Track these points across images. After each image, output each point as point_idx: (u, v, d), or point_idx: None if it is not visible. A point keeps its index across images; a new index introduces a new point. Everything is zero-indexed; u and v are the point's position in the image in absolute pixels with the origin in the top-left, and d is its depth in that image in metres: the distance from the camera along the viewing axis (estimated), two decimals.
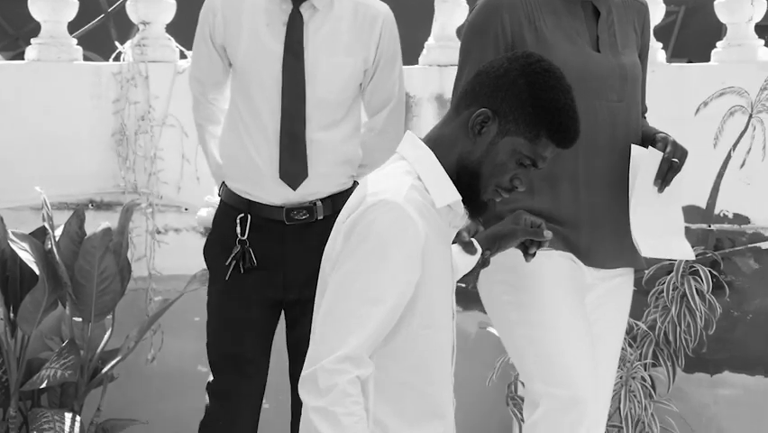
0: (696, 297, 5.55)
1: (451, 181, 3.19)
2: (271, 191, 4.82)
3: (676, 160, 4.24)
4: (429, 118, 6.06)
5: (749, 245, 5.71)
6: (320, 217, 4.87)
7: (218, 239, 4.96)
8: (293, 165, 4.81)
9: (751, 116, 5.58)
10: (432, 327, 3.18)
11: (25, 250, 5.64)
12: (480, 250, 3.72)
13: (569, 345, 4.17)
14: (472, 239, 3.74)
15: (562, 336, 4.14)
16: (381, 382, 3.13)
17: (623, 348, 5.47)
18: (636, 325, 5.63)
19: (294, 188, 4.80)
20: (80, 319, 5.72)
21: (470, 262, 3.68)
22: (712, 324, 5.58)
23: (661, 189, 4.19)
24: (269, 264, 4.85)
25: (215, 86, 5.02)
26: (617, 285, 4.24)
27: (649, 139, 4.27)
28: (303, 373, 3.04)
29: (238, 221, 4.86)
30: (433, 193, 3.17)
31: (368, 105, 4.88)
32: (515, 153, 3.17)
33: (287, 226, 4.85)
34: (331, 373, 3.02)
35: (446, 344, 3.24)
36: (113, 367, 5.75)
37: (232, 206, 4.90)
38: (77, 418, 5.58)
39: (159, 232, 6.01)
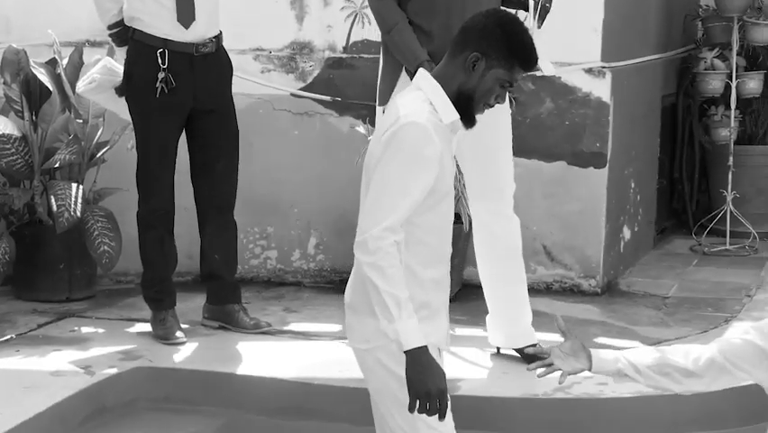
0: None
1: (452, 105, 3.30)
2: (182, 31, 5.11)
3: (548, 5, 4.54)
4: None
5: (528, 74, 5.94)
6: (213, 51, 5.21)
7: (140, 71, 5.15)
8: (186, 12, 5.13)
9: None
10: (442, 203, 3.31)
11: (42, 73, 5.82)
12: None
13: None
14: None
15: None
16: (409, 241, 3.25)
17: None
18: None
19: (186, 28, 5.10)
20: (81, 121, 5.92)
21: None
22: None
23: (539, 27, 4.50)
24: (183, 85, 5.15)
25: None
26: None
27: None
28: (357, 239, 3.21)
29: (158, 54, 5.08)
30: (441, 113, 3.28)
31: None
32: (498, 80, 3.29)
33: (194, 57, 5.16)
34: (376, 239, 3.17)
35: (450, 212, 3.37)
36: (104, 153, 6.01)
37: (148, 44, 5.11)
38: (80, 187, 5.80)
39: None
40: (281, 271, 6.58)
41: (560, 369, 3.35)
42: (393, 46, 4.63)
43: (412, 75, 4.29)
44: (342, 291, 6.27)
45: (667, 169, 8.05)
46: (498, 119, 4.66)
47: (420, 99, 3.29)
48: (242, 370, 4.87)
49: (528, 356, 4.92)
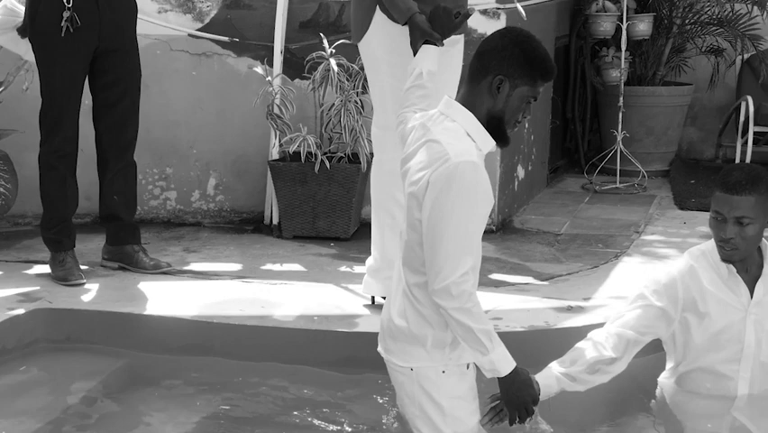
0: None
1: (487, 132, 3.35)
2: None
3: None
4: None
5: None
6: None
7: (45, 11, 5.07)
8: None
9: None
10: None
11: None
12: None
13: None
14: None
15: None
16: None
17: (343, 81, 5.95)
18: (351, 66, 5.98)
19: None
20: None
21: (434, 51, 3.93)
22: None
23: None
24: (88, 24, 5.10)
25: None
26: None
27: None
28: (436, 287, 3.26)
29: None
30: (479, 143, 3.34)
31: None
32: (524, 98, 3.34)
33: None
34: (459, 284, 3.25)
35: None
36: None
37: None
38: None
39: None
40: (181, 211, 6.58)
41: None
42: None
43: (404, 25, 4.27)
44: (242, 231, 6.45)
45: (560, 109, 8.14)
46: (452, 61, 4.60)
47: (459, 132, 3.33)
48: (142, 310, 4.86)
49: None
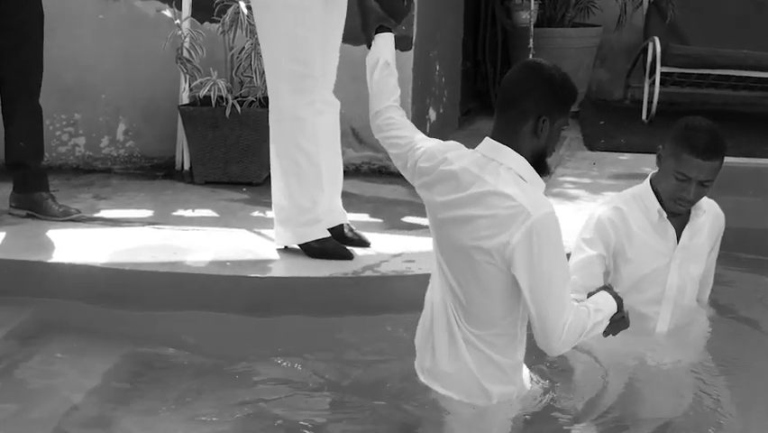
0: None
1: (536, 173, 3.43)
2: None
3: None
4: None
5: None
6: None
7: None
8: None
9: None
10: None
11: None
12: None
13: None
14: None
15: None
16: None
17: (253, 24, 5.93)
18: None
19: None
20: None
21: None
22: None
23: None
24: None
25: None
26: None
27: None
28: (553, 347, 3.38)
29: None
30: (534, 185, 3.39)
31: None
32: (560, 129, 3.45)
33: None
34: (568, 338, 3.37)
35: None
36: None
37: None
38: None
39: None
40: (90, 158, 6.52)
41: None
42: None
43: None
44: (153, 177, 6.41)
45: (471, 51, 8.16)
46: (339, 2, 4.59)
47: (517, 180, 3.38)
48: (52, 258, 4.80)
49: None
